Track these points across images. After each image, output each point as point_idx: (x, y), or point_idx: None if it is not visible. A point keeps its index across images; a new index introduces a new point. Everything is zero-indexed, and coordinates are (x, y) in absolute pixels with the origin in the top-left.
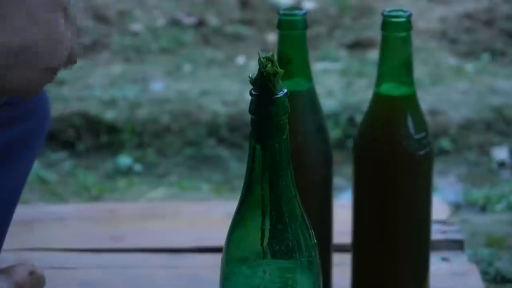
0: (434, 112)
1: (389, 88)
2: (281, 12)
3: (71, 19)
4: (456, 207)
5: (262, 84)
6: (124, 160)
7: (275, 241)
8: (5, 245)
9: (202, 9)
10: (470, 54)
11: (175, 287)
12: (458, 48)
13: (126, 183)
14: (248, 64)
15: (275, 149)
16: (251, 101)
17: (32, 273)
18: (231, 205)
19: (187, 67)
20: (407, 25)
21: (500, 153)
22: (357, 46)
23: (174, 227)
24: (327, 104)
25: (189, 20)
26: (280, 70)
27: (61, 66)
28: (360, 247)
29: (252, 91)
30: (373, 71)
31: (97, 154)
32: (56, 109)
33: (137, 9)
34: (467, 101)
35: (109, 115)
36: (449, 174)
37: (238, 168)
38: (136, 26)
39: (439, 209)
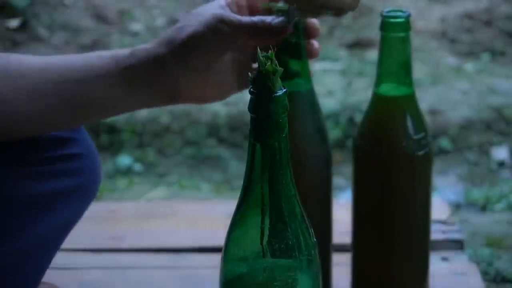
0: (434, 112)
1: (388, 89)
2: None
3: None
4: (456, 207)
5: (261, 83)
6: (124, 160)
7: (274, 240)
8: None
9: None
10: (470, 54)
11: (175, 287)
12: (458, 48)
13: (126, 183)
14: None
15: (275, 148)
16: (251, 99)
17: None
18: (231, 205)
19: None
20: (406, 25)
21: (500, 153)
22: (357, 46)
23: (174, 227)
24: (327, 104)
25: None
26: (279, 69)
27: None
28: (360, 247)
29: (251, 89)
30: (373, 71)
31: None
32: None
33: (137, 8)
34: (467, 101)
35: None
36: (449, 174)
37: (238, 167)
38: (136, 26)
39: (439, 209)
